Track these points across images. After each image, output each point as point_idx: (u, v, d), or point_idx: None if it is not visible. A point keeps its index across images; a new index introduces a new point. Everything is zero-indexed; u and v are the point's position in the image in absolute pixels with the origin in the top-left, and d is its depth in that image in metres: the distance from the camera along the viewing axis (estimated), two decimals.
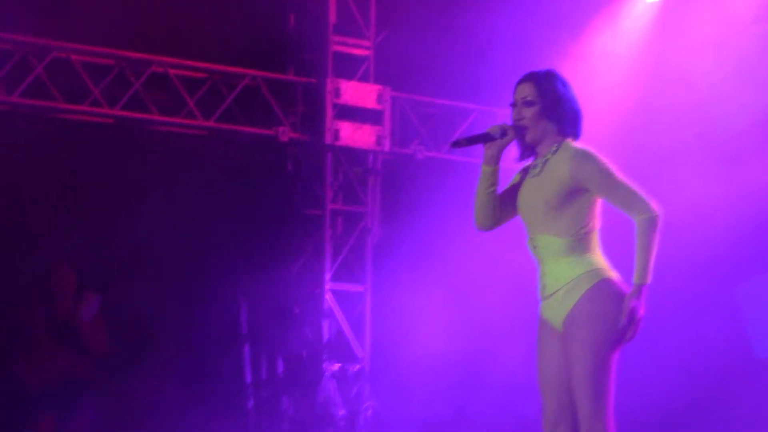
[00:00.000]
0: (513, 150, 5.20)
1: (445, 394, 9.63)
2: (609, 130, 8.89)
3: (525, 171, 5.13)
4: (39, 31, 8.74)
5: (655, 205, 5.00)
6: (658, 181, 9.45)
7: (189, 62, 9.18)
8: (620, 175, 5.00)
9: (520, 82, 5.04)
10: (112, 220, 9.09)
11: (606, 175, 4.93)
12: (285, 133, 9.47)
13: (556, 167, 5.00)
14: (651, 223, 4.96)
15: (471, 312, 9.66)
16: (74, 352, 8.80)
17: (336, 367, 9.82)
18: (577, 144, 5.05)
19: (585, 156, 4.96)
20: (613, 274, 4.95)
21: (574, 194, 4.94)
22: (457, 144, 5.12)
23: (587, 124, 5.19)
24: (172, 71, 9.04)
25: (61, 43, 8.69)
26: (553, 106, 5.03)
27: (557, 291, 4.98)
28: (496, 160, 5.03)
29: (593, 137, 5.17)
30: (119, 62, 8.89)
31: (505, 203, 5.19)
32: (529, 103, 5.04)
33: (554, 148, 5.05)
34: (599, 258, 4.95)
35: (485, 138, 5.01)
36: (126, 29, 9.06)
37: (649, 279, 4.92)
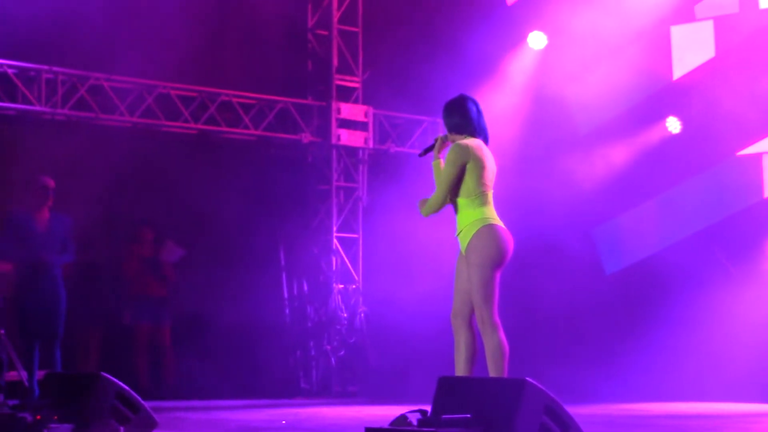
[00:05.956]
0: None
1: (420, 300, 10.83)
2: None
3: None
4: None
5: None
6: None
7: (244, 93, 11.62)
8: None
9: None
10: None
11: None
12: (306, 138, 12.05)
13: None
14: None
15: (424, 249, 11.19)
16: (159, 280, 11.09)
17: (341, 286, 11.98)
18: (462, 140, 5.93)
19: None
20: (494, 221, 5.82)
21: (464, 170, 5.88)
22: (421, 154, 6.10)
23: None
24: (234, 99, 11.60)
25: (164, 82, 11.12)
26: (458, 121, 5.96)
27: (462, 230, 5.90)
28: (437, 156, 6.01)
29: None
30: (201, 94, 11.28)
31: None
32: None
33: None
34: (488, 210, 5.83)
35: (432, 147, 6.04)
36: (207, 68, 11.20)
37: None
